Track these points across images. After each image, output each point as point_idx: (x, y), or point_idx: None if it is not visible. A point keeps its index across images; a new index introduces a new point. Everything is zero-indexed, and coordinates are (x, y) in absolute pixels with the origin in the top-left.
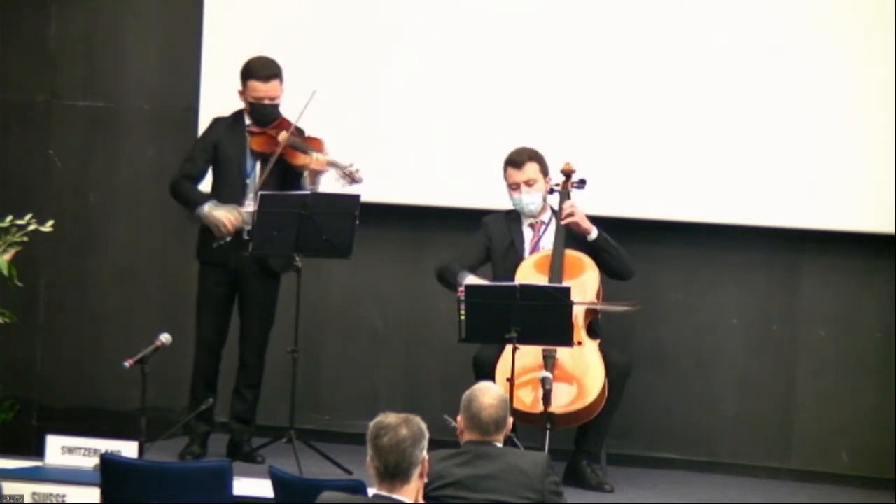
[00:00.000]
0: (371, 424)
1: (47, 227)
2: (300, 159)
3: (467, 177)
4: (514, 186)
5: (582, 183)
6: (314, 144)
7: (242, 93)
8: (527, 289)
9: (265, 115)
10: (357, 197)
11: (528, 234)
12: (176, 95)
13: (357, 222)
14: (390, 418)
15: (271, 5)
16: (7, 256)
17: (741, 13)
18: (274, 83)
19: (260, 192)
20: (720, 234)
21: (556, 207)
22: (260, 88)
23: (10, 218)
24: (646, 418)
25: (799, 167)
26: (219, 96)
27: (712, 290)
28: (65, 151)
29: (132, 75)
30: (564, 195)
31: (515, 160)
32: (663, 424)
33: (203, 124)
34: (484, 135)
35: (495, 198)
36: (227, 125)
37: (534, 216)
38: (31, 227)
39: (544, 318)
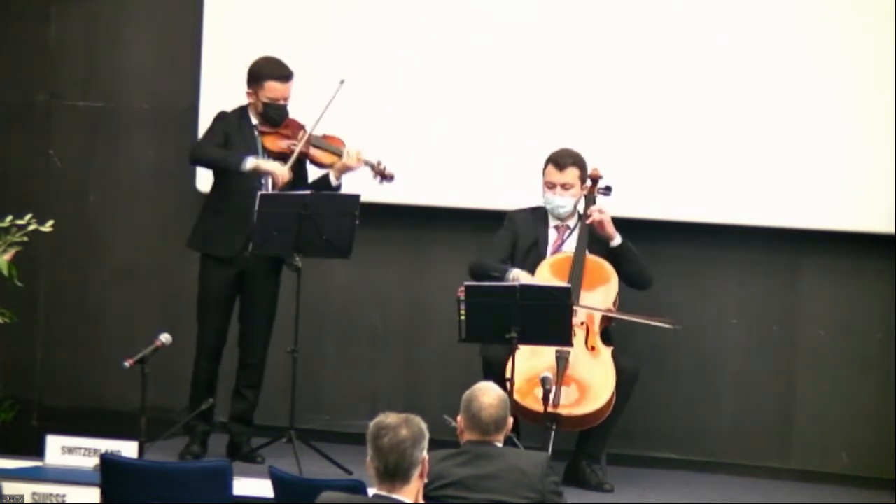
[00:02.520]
0: (371, 425)
1: (47, 227)
2: (327, 158)
3: (467, 177)
4: (549, 185)
5: (608, 189)
6: (338, 143)
7: (252, 93)
8: (527, 289)
9: (280, 115)
10: (357, 197)
11: (552, 235)
12: (176, 95)
13: (357, 222)
14: (390, 418)
15: (271, 6)
16: (7, 256)
17: (739, 14)
18: (290, 83)
19: (259, 193)
20: (720, 234)
21: (581, 211)
22: (278, 89)
23: (10, 218)
24: (646, 418)
25: (798, 167)
26: (219, 96)
27: (712, 290)
28: (65, 151)
29: (132, 75)
30: (590, 200)
31: (558, 161)
32: (663, 424)
33: (203, 124)
34: (484, 135)
35: (495, 198)
36: (235, 121)
37: (562, 219)
38: (31, 227)
39: (544, 318)
